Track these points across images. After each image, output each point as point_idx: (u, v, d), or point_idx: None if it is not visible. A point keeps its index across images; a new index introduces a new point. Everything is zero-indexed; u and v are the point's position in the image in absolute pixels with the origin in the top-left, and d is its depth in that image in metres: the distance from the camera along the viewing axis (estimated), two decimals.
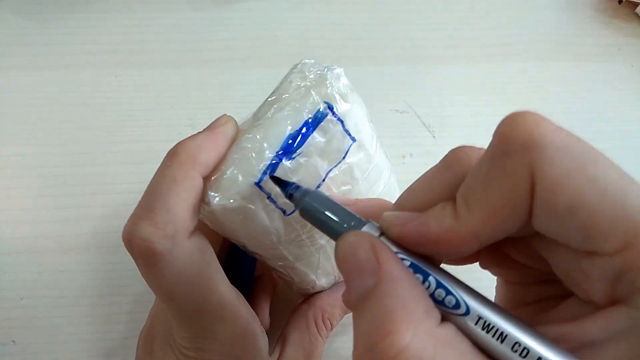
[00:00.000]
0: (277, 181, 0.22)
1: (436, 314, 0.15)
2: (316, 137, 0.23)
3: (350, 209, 0.19)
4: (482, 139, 0.18)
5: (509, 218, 0.15)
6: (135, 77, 0.42)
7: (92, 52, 0.43)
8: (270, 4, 0.47)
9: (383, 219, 0.17)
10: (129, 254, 0.35)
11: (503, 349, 0.14)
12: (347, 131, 0.24)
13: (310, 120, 0.23)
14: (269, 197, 0.22)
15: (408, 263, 0.16)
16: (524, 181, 0.14)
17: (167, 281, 0.21)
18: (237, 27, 0.45)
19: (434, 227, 0.16)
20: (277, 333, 0.30)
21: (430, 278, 0.16)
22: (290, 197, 0.21)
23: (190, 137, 0.23)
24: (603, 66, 0.46)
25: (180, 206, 0.21)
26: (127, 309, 0.34)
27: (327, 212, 0.19)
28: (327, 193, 0.22)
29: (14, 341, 0.33)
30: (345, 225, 0.18)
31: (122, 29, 0.45)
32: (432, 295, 0.16)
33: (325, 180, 0.24)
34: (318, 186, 0.24)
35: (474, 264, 0.20)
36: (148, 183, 0.23)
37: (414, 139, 0.41)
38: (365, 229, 0.17)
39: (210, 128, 0.23)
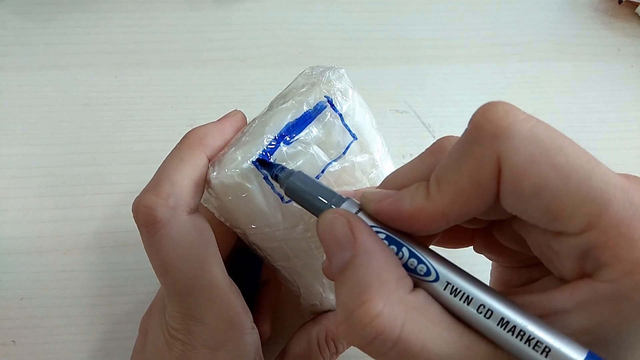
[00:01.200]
0: (264, 163, 0.23)
1: (408, 282, 0.16)
2: (315, 127, 0.24)
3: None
4: None
5: (475, 200, 0.16)
6: (135, 77, 0.42)
7: (92, 52, 0.43)
8: (270, 4, 0.47)
9: (362, 196, 0.19)
10: (128, 254, 0.35)
11: (469, 310, 0.16)
12: (346, 126, 0.25)
13: (310, 111, 0.24)
14: (265, 177, 0.23)
15: (383, 236, 0.17)
16: (490, 167, 0.16)
17: (163, 252, 0.22)
18: (237, 27, 0.45)
19: (407, 204, 0.17)
20: (281, 347, 0.30)
21: (404, 249, 0.17)
22: (276, 177, 0.22)
23: (201, 125, 0.25)
24: (603, 66, 0.46)
25: (184, 181, 0.23)
26: (127, 309, 0.34)
27: (309, 190, 0.20)
28: (329, 185, 0.23)
29: (14, 341, 0.33)
30: (326, 202, 0.19)
31: (122, 29, 0.45)
32: (405, 265, 0.17)
33: (325, 172, 0.25)
34: (317, 177, 0.24)
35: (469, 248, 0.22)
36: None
37: (414, 139, 0.41)
38: (345, 205, 0.19)
39: (219, 118, 0.26)
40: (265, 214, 0.24)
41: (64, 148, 0.39)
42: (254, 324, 0.25)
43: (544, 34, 0.47)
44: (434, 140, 0.19)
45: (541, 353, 0.14)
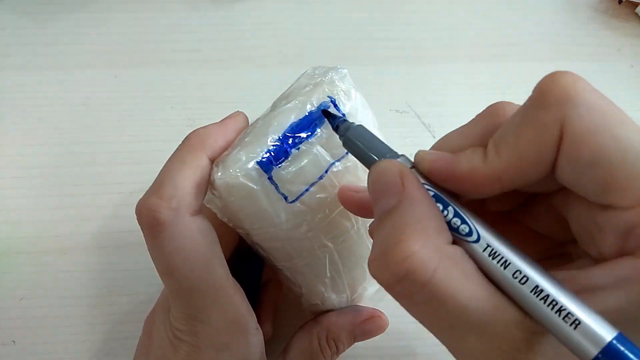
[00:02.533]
0: (326, 114, 0.23)
1: (447, 235, 0.17)
2: (318, 127, 0.24)
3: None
4: None
5: (534, 165, 0.16)
6: (135, 77, 0.42)
7: (92, 52, 0.43)
8: (270, 4, 0.47)
9: (417, 154, 0.19)
10: (129, 254, 0.35)
11: (505, 274, 0.16)
12: None
13: (313, 111, 0.24)
14: (269, 178, 0.23)
15: (432, 193, 0.18)
16: (553, 132, 0.16)
17: (167, 253, 0.22)
18: (237, 27, 0.45)
19: (463, 165, 0.18)
20: (282, 347, 0.30)
21: (450, 208, 0.17)
22: (337, 128, 0.23)
23: (202, 126, 0.25)
24: (603, 66, 0.46)
25: (186, 182, 0.23)
26: (127, 309, 0.34)
27: (367, 143, 0.21)
28: (332, 185, 0.24)
29: (14, 341, 0.33)
30: (381, 155, 0.20)
31: (122, 29, 0.45)
32: (449, 223, 0.17)
33: (328, 172, 0.25)
34: (320, 177, 0.25)
35: None
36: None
37: (414, 139, 0.41)
38: (400, 159, 0.19)
39: (221, 120, 0.26)
40: (268, 214, 0.24)
41: (64, 148, 0.39)
42: (258, 325, 0.25)
43: (544, 34, 0.47)
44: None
45: (570, 325, 0.14)
